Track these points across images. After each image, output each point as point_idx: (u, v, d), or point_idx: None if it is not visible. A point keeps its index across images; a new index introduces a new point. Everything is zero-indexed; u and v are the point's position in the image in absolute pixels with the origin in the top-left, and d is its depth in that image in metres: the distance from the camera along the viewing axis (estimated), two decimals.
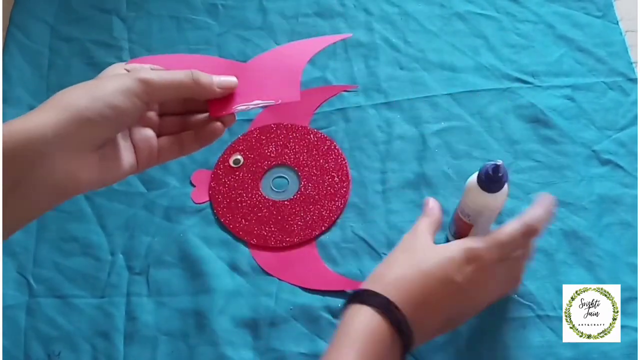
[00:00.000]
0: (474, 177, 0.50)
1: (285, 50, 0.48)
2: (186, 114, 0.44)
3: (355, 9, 0.75)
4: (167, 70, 0.42)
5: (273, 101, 0.44)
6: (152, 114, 0.43)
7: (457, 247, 0.46)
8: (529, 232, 0.46)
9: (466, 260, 0.45)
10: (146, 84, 0.38)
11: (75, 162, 0.37)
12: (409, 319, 0.43)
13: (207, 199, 0.63)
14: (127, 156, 0.41)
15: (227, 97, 0.43)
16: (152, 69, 0.42)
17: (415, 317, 0.43)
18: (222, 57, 0.70)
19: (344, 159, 0.64)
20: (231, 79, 0.43)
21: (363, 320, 0.43)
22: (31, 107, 0.67)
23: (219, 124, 0.43)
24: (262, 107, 0.49)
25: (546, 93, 0.67)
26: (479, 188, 0.49)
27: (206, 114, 0.44)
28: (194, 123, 0.44)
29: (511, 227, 0.46)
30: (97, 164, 0.38)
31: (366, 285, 0.45)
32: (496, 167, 0.47)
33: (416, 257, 0.46)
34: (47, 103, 0.37)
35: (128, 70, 0.41)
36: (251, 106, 0.43)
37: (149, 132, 0.42)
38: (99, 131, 0.38)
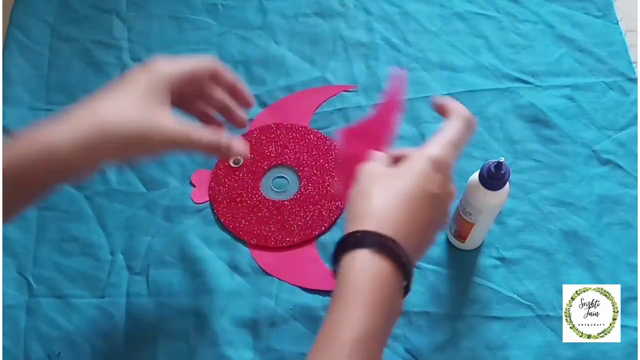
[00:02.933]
0: (475, 175, 0.50)
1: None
2: None
3: (355, 9, 0.75)
4: None
5: None
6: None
7: (421, 158, 0.43)
8: (469, 123, 0.46)
9: (435, 169, 0.43)
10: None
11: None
12: (405, 248, 0.41)
13: (207, 199, 0.63)
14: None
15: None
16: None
17: (409, 244, 0.41)
18: (222, 57, 0.71)
19: None
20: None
21: (363, 267, 0.40)
22: (31, 107, 0.69)
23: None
24: None
25: (546, 93, 0.67)
26: (481, 185, 0.49)
27: None
28: None
29: (452, 124, 0.45)
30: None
31: (352, 227, 0.41)
32: (498, 165, 0.47)
33: (390, 183, 0.43)
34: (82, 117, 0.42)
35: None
36: None
37: None
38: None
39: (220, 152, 0.47)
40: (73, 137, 0.41)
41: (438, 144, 0.44)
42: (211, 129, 0.48)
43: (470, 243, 0.57)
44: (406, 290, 0.42)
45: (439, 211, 0.44)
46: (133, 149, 0.44)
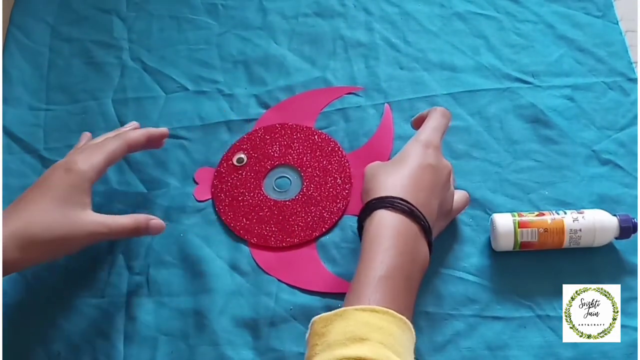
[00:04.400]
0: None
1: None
2: None
3: (355, 9, 0.75)
4: None
5: None
6: None
7: (413, 143, 0.54)
8: (444, 113, 0.56)
9: (424, 146, 0.53)
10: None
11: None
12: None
13: (210, 196, 0.63)
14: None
15: None
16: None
17: (418, 205, 0.50)
18: (222, 57, 0.71)
19: (346, 161, 0.64)
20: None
21: (381, 221, 0.49)
22: (31, 107, 0.69)
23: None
24: None
25: (546, 93, 0.67)
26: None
27: None
28: None
29: (431, 116, 0.56)
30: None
31: (371, 197, 0.51)
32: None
33: (393, 166, 0.53)
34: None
35: None
36: None
37: None
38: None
39: (140, 233, 0.55)
40: (5, 243, 0.47)
41: (424, 131, 0.55)
42: (127, 216, 0.55)
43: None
44: (429, 245, 0.50)
45: (439, 178, 0.52)
46: (60, 247, 0.51)
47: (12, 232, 0.48)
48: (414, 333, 0.45)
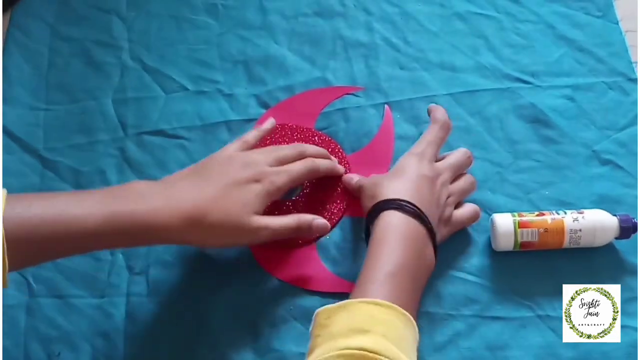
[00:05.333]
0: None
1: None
2: None
3: (355, 9, 0.75)
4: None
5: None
6: None
7: (406, 156, 0.57)
8: (443, 125, 0.58)
9: (419, 159, 0.55)
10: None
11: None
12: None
13: None
14: None
15: None
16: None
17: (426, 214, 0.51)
18: (222, 57, 0.71)
19: (347, 162, 0.64)
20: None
21: (386, 221, 0.50)
22: (31, 107, 0.69)
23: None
24: None
25: (546, 93, 0.67)
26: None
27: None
28: None
29: (429, 128, 0.59)
30: None
31: (377, 199, 0.52)
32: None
33: (392, 176, 0.55)
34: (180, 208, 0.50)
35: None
36: None
37: None
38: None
39: (303, 232, 0.56)
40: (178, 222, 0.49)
41: (419, 144, 0.57)
42: (291, 216, 0.56)
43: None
44: (434, 247, 0.51)
45: (435, 188, 0.54)
46: (229, 238, 0.53)
47: (189, 213, 0.49)
48: (417, 331, 0.46)
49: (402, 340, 0.43)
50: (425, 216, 0.51)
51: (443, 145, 0.59)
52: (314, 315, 0.46)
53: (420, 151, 0.56)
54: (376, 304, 0.44)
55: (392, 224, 0.50)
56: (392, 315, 0.44)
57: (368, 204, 0.54)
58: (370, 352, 0.40)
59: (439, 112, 0.59)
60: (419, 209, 0.51)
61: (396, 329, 0.43)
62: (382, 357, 0.40)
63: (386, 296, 0.45)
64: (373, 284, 0.46)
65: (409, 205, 0.51)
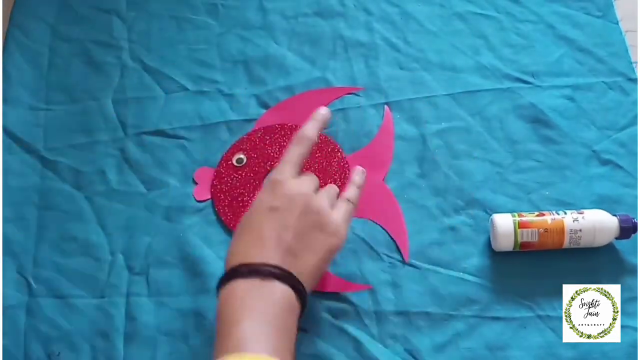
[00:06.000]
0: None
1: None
2: None
3: (355, 9, 0.75)
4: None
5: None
6: None
7: (264, 185, 0.52)
8: (300, 139, 0.53)
9: (271, 187, 0.51)
10: None
11: None
12: (251, 261, 0.48)
13: (209, 196, 0.63)
14: None
15: None
16: None
17: (253, 253, 0.48)
18: (222, 57, 0.71)
19: (346, 163, 0.64)
20: None
21: (230, 293, 0.46)
22: (31, 107, 0.69)
23: None
24: None
25: (546, 93, 0.67)
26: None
27: None
28: None
29: (288, 148, 0.53)
30: None
31: (236, 262, 0.48)
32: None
33: (239, 227, 0.51)
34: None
35: None
36: None
37: None
38: None
39: None
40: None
41: (276, 168, 0.52)
42: None
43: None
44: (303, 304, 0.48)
45: (290, 221, 0.49)
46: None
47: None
48: None
49: None
50: (301, 284, 0.48)
51: (308, 156, 0.54)
52: None
53: (273, 177, 0.52)
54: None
55: (232, 300, 0.47)
56: None
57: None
58: None
59: (306, 124, 0.55)
60: (247, 264, 0.47)
61: None
62: None
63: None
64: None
65: (238, 269, 0.47)
